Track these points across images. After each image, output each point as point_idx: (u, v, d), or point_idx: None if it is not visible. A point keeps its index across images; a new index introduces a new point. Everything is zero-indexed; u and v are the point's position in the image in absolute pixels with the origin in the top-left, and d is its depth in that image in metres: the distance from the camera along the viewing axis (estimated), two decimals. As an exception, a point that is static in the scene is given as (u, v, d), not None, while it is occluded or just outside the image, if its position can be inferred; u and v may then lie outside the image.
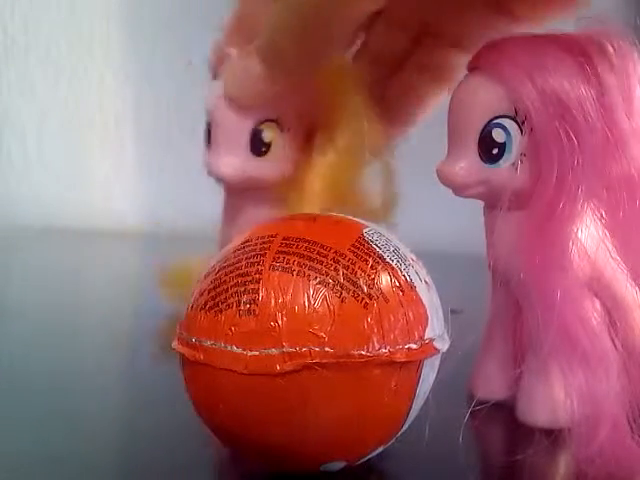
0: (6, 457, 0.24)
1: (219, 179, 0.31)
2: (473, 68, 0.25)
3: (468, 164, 0.25)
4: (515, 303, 0.26)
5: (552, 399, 0.25)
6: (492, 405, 0.25)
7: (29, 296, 0.44)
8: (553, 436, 0.24)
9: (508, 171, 0.24)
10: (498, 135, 0.24)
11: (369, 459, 0.22)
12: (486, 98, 0.24)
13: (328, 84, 0.29)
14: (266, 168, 0.30)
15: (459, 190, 0.25)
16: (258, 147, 0.30)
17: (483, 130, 0.24)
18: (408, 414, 0.21)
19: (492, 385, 0.28)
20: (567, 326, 0.23)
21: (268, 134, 0.30)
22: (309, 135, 0.31)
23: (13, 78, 0.66)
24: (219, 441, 0.22)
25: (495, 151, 0.24)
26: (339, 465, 0.21)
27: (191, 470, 0.24)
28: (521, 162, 0.24)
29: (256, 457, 0.22)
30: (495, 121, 0.24)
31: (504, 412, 0.27)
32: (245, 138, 0.30)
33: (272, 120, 0.30)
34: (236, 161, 0.30)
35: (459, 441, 0.24)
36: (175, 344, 0.21)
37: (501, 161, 0.24)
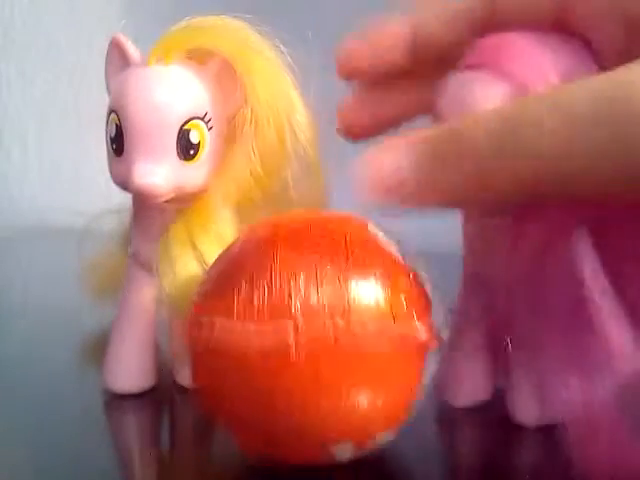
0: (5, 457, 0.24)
1: (142, 191, 0.25)
2: (474, 65, 0.23)
3: None
4: (491, 305, 0.26)
5: (541, 398, 0.25)
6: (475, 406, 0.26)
7: (29, 296, 0.44)
8: (550, 436, 0.24)
9: None
10: None
11: (369, 461, 0.22)
12: (494, 98, 0.23)
13: (247, 70, 0.26)
14: (196, 174, 0.26)
15: None
16: (187, 150, 0.26)
17: None
18: (413, 401, 0.22)
19: (471, 388, 0.28)
20: (564, 329, 0.23)
21: (196, 134, 0.26)
22: (229, 134, 0.27)
23: (13, 78, 0.66)
24: (224, 426, 0.22)
25: None
26: (348, 448, 0.21)
27: (196, 464, 0.24)
28: None
29: (261, 441, 0.22)
30: None
31: (488, 413, 0.27)
32: (171, 141, 0.25)
33: (198, 118, 0.26)
34: (163, 169, 0.25)
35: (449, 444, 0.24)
36: (184, 326, 0.22)
37: None
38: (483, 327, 0.27)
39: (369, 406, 0.20)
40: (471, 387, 0.28)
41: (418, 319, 0.21)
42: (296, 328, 0.19)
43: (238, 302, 0.20)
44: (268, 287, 0.20)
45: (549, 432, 0.25)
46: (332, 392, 0.20)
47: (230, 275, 0.21)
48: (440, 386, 0.27)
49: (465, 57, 0.24)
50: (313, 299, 0.20)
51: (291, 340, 0.19)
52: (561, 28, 0.23)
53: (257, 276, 0.20)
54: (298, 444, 0.21)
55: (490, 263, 0.25)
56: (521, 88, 0.22)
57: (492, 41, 0.23)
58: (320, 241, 0.21)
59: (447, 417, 0.27)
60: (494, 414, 0.27)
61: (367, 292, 0.20)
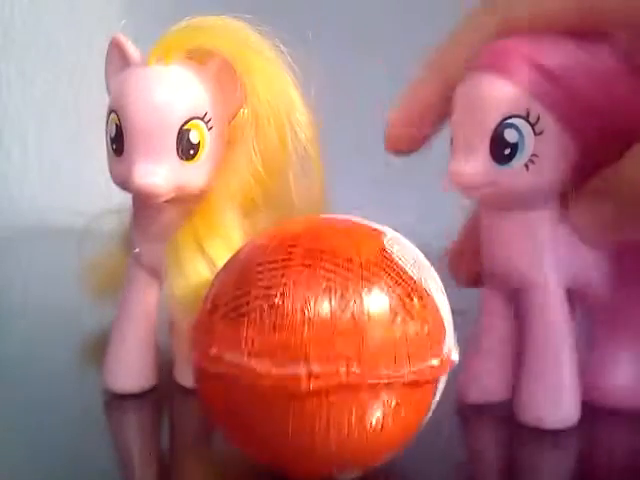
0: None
1: (142, 192, 0.25)
2: (483, 67, 0.25)
3: (480, 164, 0.24)
4: (510, 303, 0.27)
5: (554, 399, 0.25)
6: (491, 406, 0.25)
7: (29, 296, 0.44)
8: (556, 436, 0.24)
9: (519, 172, 0.24)
10: (510, 135, 0.24)
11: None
12: (500, 98, 0.24)
13: (249, 75, 0.26)
14: (196, 174, 0.26)
15: (468, 191, 0.25)
16: (187, 150, 0.26)
17: (495, 130, 0.24)
18: (422, 423, 0.22)
19: (489, 387, 0.28)
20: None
21: (196, 134, 0.26)
22: (230, 134, 0.27)
23: (13, 78, 0.66)
24: (229, 441, 0.22)
25: (507, 151, 0.24)
26: (354, 473, 0.22)
27: (196, 464, 0.24)
28: (533, 163, 0.24)
29: (270, 468, 0.22)
30: (508, 121, 0.24)
31: (503, 413, 0.27)
32: (171, 141, 0.25)
33: (198, 118, 0.26)
34: (163, 169, 0.25)
35: (462, 443, 0.24)
36: (191, 354, 0.21)
37: (513, 162, 0.24)
38: (505, 326, 0.27)
39: (378, 437, 0.20)
40: (485, 386, 0.28)
41: (432, 354, 0.20)
42: (309, 374, 0.19)
43: (248, 335, 0.19)
44: (280, 321, 0.19)
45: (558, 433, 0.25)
46: (342, 432, 0.19)
47: (239, 304, 0.20)
48: (456, 382, 0.28)
49: (476, 60, 0.25)
50: (328, 340, 0.19)
51: (303, 382, 0.19)
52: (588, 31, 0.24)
53: (268, 310, 0.19)
54: (305, 470, 0.21)
55: (513, 258, 0.26)
56: (521, 86, 0.23)
57: (498, 46, 0.24)
58: (335, 272, 0.20)
59: (454, 418, 0.27)
60: (502, 414, 0.27)
61: (383, 331, 0.19)
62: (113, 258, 0.33)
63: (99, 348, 0.30)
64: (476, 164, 0.24)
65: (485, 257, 0.27)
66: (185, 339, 0.23)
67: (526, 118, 0.23)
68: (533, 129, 0.23)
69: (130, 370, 0.29)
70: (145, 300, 0.29)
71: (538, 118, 0.23)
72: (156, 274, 0.28)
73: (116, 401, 0.28)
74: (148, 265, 0.28)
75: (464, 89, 0.25)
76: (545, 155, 0.24)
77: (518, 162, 0.24)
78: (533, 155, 0.24)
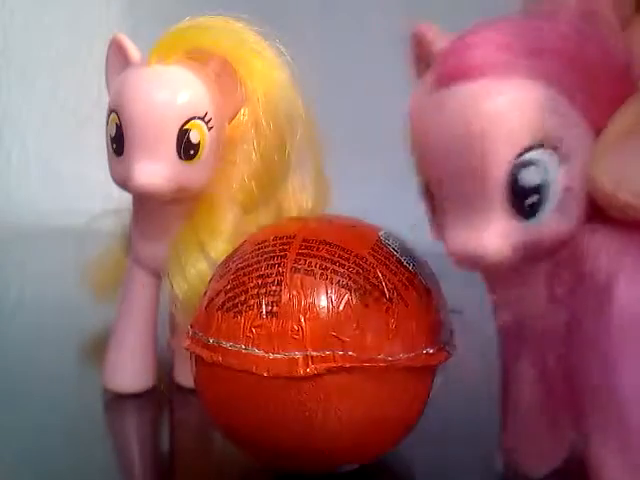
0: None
1: (142, 192, 0.25)
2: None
3: (502, 228, 0.17)
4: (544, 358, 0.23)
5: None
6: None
7: (29, 296, 0.44)
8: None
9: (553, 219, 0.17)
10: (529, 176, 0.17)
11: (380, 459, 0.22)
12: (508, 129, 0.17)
13: (248, 73, 0.26)
14: (196, 174, 0.26)
15: (493, 266, 0.18)
16: (187, 150, 0.26)
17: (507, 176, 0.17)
18: (420, 416, 0.22)
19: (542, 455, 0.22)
20: None
21: (196, 134, 0.26)
22: (229, 134, 0.27)
23: (13, 78, 0.66)
24: (230, 442, 0.22)
25: (531, 200, 0.17)
26: (353, 466, 0.22)
27: (195, 464, 0.24)
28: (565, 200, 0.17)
29: (269, 459, 0.22)
30: (521, 159, 0.17)
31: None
32: (171, 141, 0.25)
33: (198, 118, 0.26)
34: (163, 168, 0.25)
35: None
36: (188, 344, 0.21)
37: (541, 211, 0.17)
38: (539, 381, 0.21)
39: (376, 429, 0.20)
40: (543, 452, 0.22)
41: (427, 342, 0.20)
42: (306, 358, 0.19)
43: (245, 323, 0.20)
44: (277, 312, 0.19)
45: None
46: (339, 418, 0.19)
47: (237, 293, 0.20)
48: (510, 454, 0.23)
49: None
50: (324, 326, 0.19)
51: (301, 367, 0.19)
52: None
53: (266, 297, 0.20)
54: (303, 461, 0.21)
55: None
56: None
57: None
58: (331, 259, 0.20)
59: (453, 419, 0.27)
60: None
61: (378, 318, 0.20)
62: (113, 258, 0.33)
63: (99, 348, 0.30)
64: (496, 230, 0.17)
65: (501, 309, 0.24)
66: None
67: (542, 145, 0.17)
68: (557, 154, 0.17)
69: (130, 370, 0.29)
70: (145, 300, 0.29)
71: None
72: (156, 274, 0.28)
73: (116, 401, 0.28)
74: (148, 265, 0.28)
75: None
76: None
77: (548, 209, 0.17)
78: (565, 189, 0.17)
